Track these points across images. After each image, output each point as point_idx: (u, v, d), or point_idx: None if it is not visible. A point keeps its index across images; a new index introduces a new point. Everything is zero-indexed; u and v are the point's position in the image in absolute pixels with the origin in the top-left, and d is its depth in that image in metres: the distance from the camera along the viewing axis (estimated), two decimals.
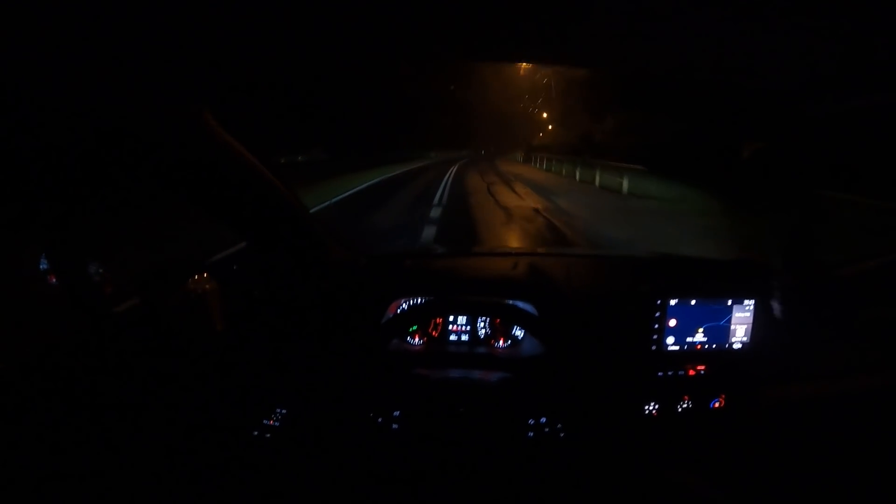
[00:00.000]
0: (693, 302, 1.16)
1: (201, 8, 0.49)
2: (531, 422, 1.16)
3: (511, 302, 1.25)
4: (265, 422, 1.21)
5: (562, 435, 1.15)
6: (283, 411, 1.21)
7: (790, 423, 1.27)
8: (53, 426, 0.93)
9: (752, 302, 1.16)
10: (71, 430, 0.96)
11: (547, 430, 1.15)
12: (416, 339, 1.34)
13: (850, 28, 0.54)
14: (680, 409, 1.22)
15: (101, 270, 1.10)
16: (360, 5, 0.53)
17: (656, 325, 1.17)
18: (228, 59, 0.68)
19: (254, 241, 1.22)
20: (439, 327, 1.34)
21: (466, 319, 1.34)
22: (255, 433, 1.21)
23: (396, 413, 1.16)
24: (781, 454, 1.24)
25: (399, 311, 1.30)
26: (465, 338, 1.34)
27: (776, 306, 1.19)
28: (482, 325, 1.34)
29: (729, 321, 1.17)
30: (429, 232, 6.03)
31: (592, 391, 1.18)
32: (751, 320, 1.17)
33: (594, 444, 1.16)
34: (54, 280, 1.09)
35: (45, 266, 1.08)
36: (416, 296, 1.31)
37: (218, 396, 1.19)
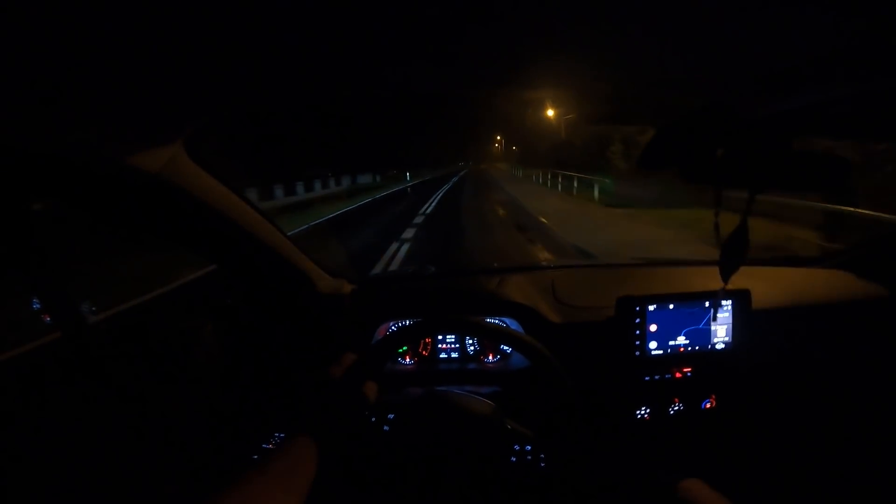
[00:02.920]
0: (671, 306, 1.19)
1: (190, 46, 0.49)
2: (517, 447, 1.16)
3: (496, 320, 1.28)
4: (264, 446, 1.22)
5: (542, 465, 1.14)
6: (282, 436, 1.22)
7: (785, 419, 1.28)
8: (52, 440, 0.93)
9: (730, 302, 1.19)
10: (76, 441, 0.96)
11: (529, 458, 1.15)
12: (408, 360, 1.35)
13: (778, 27, 0.57)
14: (672, 412, 1.23)
15: (93, 308, 1.13)
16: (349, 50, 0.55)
17: (637, 332, 1.19)
18: (211, 97, 0.71)
19: (234, 274, 1.25)
20: (429, 347, 1.36)
21: (455, 337, 1.36)
22: (255, 457, 1.21)
23: (391, 416, 1.17)
24: (777, 451, 1.25)
25: (387, 333, 1.32)
26: (454, 355, 1.36)
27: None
28: (471, 342, 1.36)
29: (709, 322, 1.20)
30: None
31: (583, 398, 1.19)
32: (730, 320, 1.20)
33: (583, 463, 1.17)
34: (49, 319, 1.11)
35: (38, 306, 1.11)
36: (403, 318, 1.33)
37: (216, 423, 1.20)
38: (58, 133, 0.61)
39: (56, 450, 0.94)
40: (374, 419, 1.17)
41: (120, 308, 1.15)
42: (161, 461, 1.11)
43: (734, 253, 0.75)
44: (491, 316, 1.29)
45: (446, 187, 23.78)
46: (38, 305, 1.12)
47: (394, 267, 5.91)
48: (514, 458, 1.15)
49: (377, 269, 5.68)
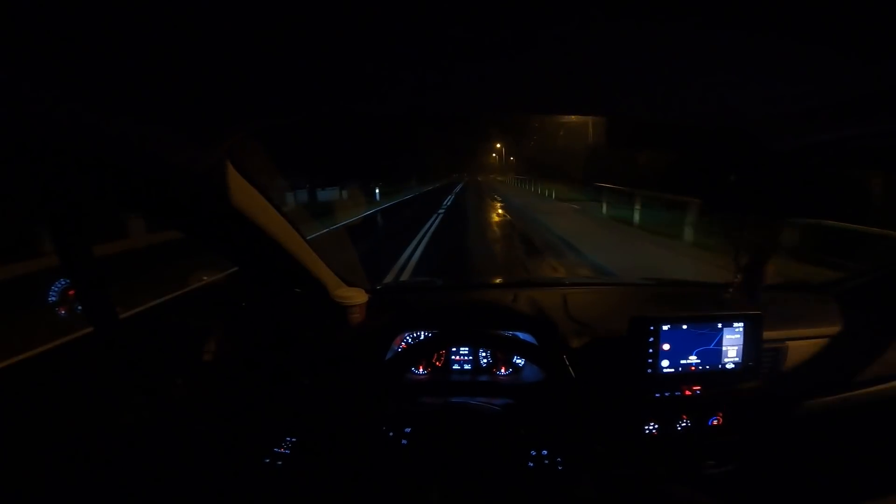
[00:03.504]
0: (684, 326, 1.22)
1: (233, 64, 0.53)
2: (533, 452, 1.17)
3: (511, 333, 1.30)
4: (276, 450, 1.20)
5: (560, 468, 1.16)
6: (294, 439, 1.21)
7: (793, 437, 1.30)
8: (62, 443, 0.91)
9: (742, 324, 1.23)
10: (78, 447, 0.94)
11: (547, 462, 1.16)
12: (421, 370, 1.35)
13: (808, 69, 0.61)
14: (679, 428, 1.25)
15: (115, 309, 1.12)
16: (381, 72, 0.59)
17: (650, 350, 1.22)
18: (253, 113, 0.74)
19: (258, 277, 1.25)
20: (443, 357, 1.37)
21: (469, 350, 1.37)
22: (267, 460, 1.19)
23: (408, 429, 1.17)
24: (783, 468, 1.27)
25: (403, 344, 1.33)
26: (467, 367, 1.37)
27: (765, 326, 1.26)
28: (484, 354, 1.37)
29: (720, 343, 1.23)
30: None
31: (593, 412, 1.21)
32: (741, 341, 1.23)
33: (597, 468, 1.18)
34: (63, 312, 1.10)
35: (54, 298, 1.10)
36: (419, 330, 1.34)
37: (230, 425, 1.19)
38: (109, 135, 0.62)
39: (77, 445, 0.92)
40: (391, 434, 1.17)
41: (145, 306, 1.14)
42: (175, 460, 1.09)
43: (756, 277, 0.78)
44: (507, 330, 1.31)
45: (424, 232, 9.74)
46: (55, 298, 1.10)
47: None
48: (531, 464, 1.16)
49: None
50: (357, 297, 1.34)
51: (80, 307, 1.08)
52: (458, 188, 33.72)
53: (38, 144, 0.58)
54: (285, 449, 1.20)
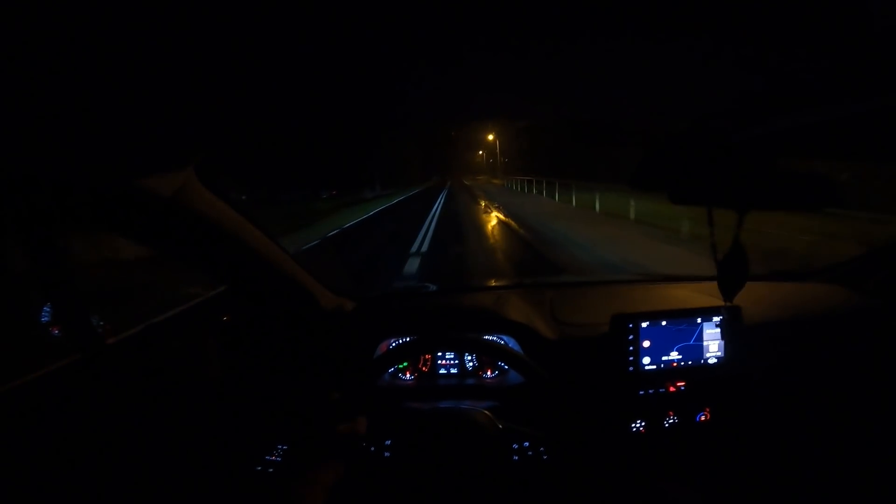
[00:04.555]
0: (664, 322, 1.23)
1: (197, 76, 0.52)
2: (515, 446, 1.19)
3: (494, 337, 1.32)
4: (267, 458, 1.23)
5: (545, 458, 1.18)
6: (285, 447, 1.23)
7: (781, 431, 1.31)
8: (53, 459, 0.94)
9: (720, 318, 1.24)
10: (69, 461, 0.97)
11: (530, 453, 1.19)
12: (408, 375, 1.37)
13: (767, 54, 0.62)
14: (667, 425, 1.25)
15: (101, 322, 1.15)
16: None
17: (631, 347, 1.23)
18: (218, 125, 0.75)
19: (243, 294, 1.28)
20: (429, 363, 1.39)
21: (454, 354, 1.39)
22: (259, 468, 1.22)
23: (388, 442, 1.19)
24: (772, 463, 1.27)
25: (395, 348, 1.35)
26: (454, 371, 1.38)
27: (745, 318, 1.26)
28: (469, 358, 1.39)
29: (700, 338, 1.24)
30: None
31: (576, 413, 1.22)
32: (720, 336, 1.24)
33: (583, 462, 1.19)
34: (56, 332, 1.14)
35: (46, 319, 1.14)
36: (403, 335, 1.37)
37: (220, 435, 1.21)
38: (73, 160, 0.64)
39: (71, 466, 0.95)
40: (372, 448, 1.19)
41: (133, 330, 1.17)
42: (167, 472, 1.11)
43: (733, 270, 0.79)
44: (489, 333, 1.33)
45: None
46: (47, 318, 1.14)
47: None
48: (516, 458, 1.18)
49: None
50: (343, 306, 1.37)
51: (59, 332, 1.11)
52: (436, 205, 17.28)
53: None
54: (276, 457, 1.23)
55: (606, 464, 1.23)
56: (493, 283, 1.67)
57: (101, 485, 1.01)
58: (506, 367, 1.38)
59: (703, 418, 1.28)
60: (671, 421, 1.27)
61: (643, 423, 1.27)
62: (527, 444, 1.21)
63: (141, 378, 1.14)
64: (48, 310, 1.12)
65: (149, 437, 1.12)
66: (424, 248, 7.99)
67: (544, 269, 5.61)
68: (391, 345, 1.37)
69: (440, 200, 20.06)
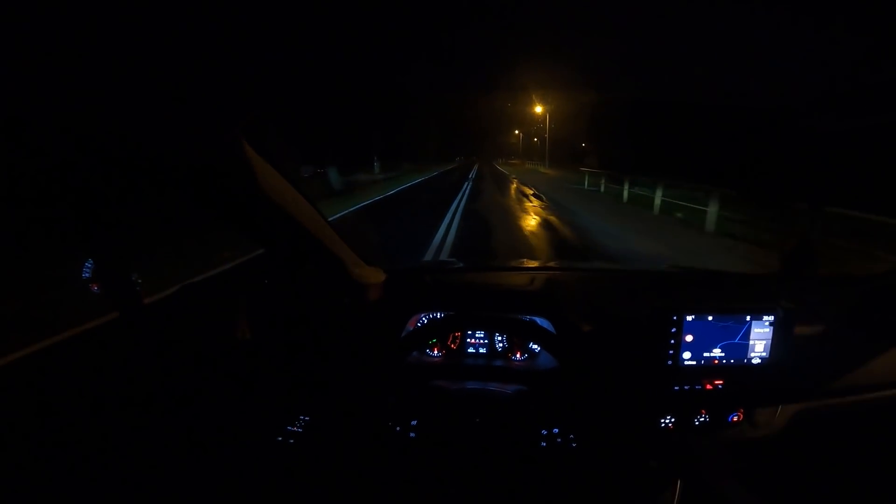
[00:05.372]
0: (710, 317, 1.17)
1: (243, 40, 0.53)
2: (544, 432, 1.18)
3: (528, 318, 1.28)
4: (289, 428, 1.25)
5: (574, 445, 1.16)
6: (307, 418, 1.25)
7: (813, 436, 1.25)
8: (75, 421, 0.97)
9: (772, 317, 1.16)
10: (91, 425, 1.00)
11: (559, 440, 1.17)
12: (435, 352, 1.36)
13: (856, 50, 0.56)
14: (697, 423, 1.22)
15: (139, 280, 1.16)
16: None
17: (672, 341, 1.18)
18: (265, 88, 0.73)
19: (280, 256, 1.27)
20: (458, 340, 1.37)
21: (484, 333, 1.36)
22: (279, 438, 1.24)
23: (414, 422, 1.19)
24: (800, 466, 1.23)
25: (418, 324, 1.33)
26: (482, 350, 1.36)
27: (799, 320, 1.19)
28: (500, 338, 1.36)
29: (747, 336, 1.17)
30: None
31: (607, 404, 1.19)
32: (770, 336, 1.17)
33: (608, 454, 1.17)
34: (96, 288, 1.15)
35: (87, 275, 1.15)
36: (435, 311, 1.34)
37: (243, 401, 1.23)
38: (125, 122, 0.63)
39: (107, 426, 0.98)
40: (398, 428, 1.20)
41: (170, 290, 1.18)
42: (189, 436, 1.14)
43: (798, 268, 0.73)
44: (524, 314, 1.29)
45: None
46: (88, 275, 1.16)
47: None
48: (543, 444, 1.17)
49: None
50: (374, 276, 1.35)
51: (106, 285, 1.13)
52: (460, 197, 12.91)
53: (46, 134, 0.59)
54: (298, 427, 1.24)
55: (633, 456, 1.21)
56: (527, 264, 1.62)
57: (128, 442, 1.04)
58: (536, 350, 1.35)
59: (735, 419, 1.24)
60: (702, 419, 1.23)
61: (672, 419, 1.23)
62: (556, 430, 1.19)
63: (173, 339, 1.16)
64: (89, 266, 1.13)
65: (174, 400, 1.14)
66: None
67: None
68: (421, 319, 1.35)
69: (456, 208, 10.39)
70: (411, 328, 1.33)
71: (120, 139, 0.68)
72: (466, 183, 17.13)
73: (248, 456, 1.23)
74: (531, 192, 14.35)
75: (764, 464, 1.26)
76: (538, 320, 1.28)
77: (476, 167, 31.50)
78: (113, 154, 0.73)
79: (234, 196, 0.95)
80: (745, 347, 1.18)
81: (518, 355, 1.35)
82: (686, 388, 1.20)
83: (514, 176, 22.07)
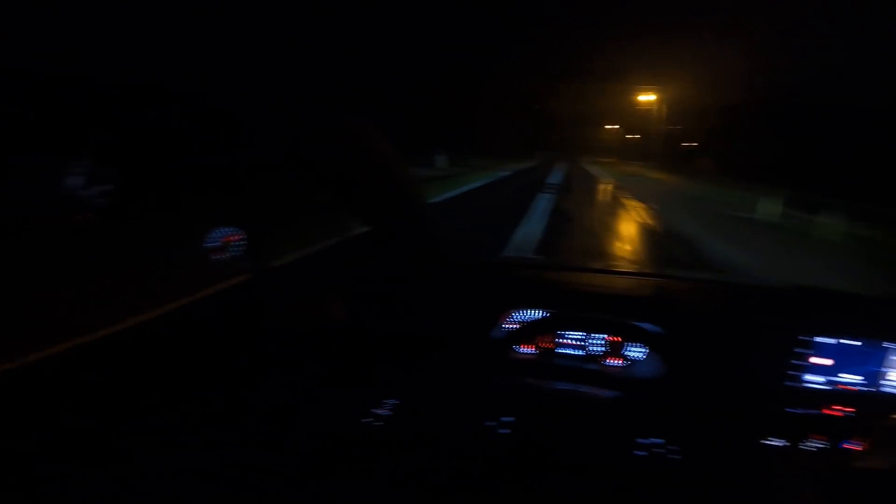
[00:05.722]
0: (840, 341, 1.09)
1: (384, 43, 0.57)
2: (642, 441, 1.13)
3: (636, 323, 1.24)
4: (374, 410, 1.26)
5: (672, 457, 1.11)
6: (394, 401, 1.25)
7: None
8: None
9: None
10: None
11: (659, 450, 1.12)
12: (526, 349, 1.34)
13: None
14: (805, 448, 1.14)
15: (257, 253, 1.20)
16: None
17: (795, 362, 1.11)
18: (389, 85, 0.76)
19: (386, 237, 1.29)
20: (551, 340, 1.34)
21: (582, 335, 1.33)
22: (364, 420, 1.25)
23: (506, 419, 1.17)
24: None
25: (517, 321, 1.32)
26: (576, 352, 1.33)
27: None
28: (597, 342, 1.32)
29: (882, 363, 1.09)
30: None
31: (712, 419, 1.14)
32: None
33: (708, 470, 1.12)
34: (216, 257, 1.20)
35: (212, 244, 1.20)
36: (530, 307, 1.32)
37: (331, 378, 1.25)
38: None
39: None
40: (490, 424, 1.18)
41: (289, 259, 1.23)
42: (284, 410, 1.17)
43: None
44: (631, 318, 1.25)
45: None
46: (213, 244, 1.21)
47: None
48: (641, 453, 1.13)
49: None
50: (474, 266, 1.34)
51: (230, 255, 1.18)
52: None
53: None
54: (385, 410, 1.24)
55: (734, 477, 1.15)
56: (629, 268, 1.57)
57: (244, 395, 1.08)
58: (636, 357, 1.30)
59: (858, 448, 1.15)
60: (814, 445, 1.15)
61: (779, 442, 1.16)
62: (658, 440, 1.15)
63: (291, 305, 1.20)
64: (216, 236, 1.18)
65: (279, 365, 1.17)
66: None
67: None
68: (514, 316, 1.33)
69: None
70: (503, 323, 1.31)
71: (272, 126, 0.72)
72: (541, 200, 9.44)
73: (332, 434, 1.24)
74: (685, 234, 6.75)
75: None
76: (647, 326, 1.23)
77: (559, 165, 24.83)
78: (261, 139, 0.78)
79: (355, 172, 0.99)
80: (876, 374, 1.10)
81: (614, 361, 1.31)
82: (801, 411, 1.13)
83: (616, 185, 14.35)
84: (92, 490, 0.82)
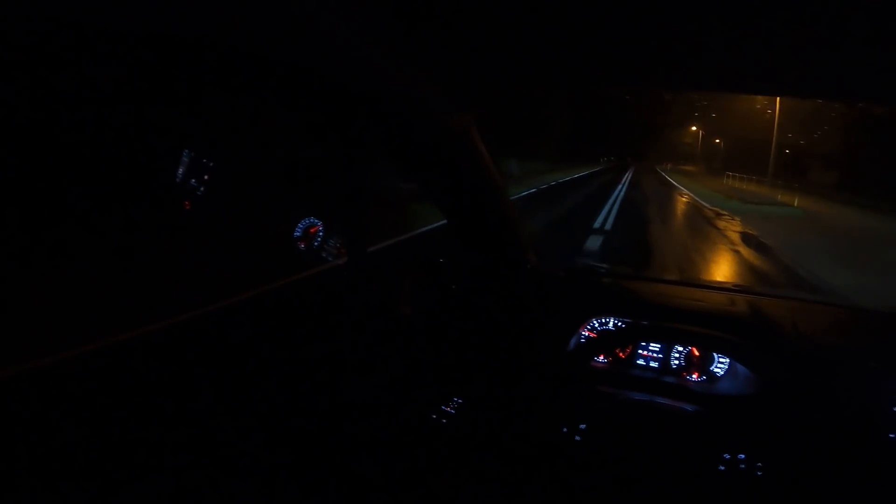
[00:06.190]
0: None
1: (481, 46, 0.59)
2: (726, 456, 1.06)
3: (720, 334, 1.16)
4: (442, 407, 1.28)
5: (759, 474, 1.03)
6: (460, 401, 1.26)
7: None
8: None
9: None
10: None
11: (743, 466, 1.05)
12: (602, 358, 1.30)
13: None
14: None
15: (339, 244, 1.26)
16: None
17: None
18: (493, 85, 0.80)
19: (468, 237, 1.29)
20: (629, 350, 1.29)
21: (661, 346, 1.26)
22: (433, 416, 1.28)
23: (583, 426, 1.14)
24: None
25: (600, 328, 1.28)
26: (654, 364, 1.27)
27: None
28: (676, 355, 1.25)
29: None
30: None
31: (802, 444, 1.04)
32: None
33: (795, 489, 1.03)
34: (303, 246, 1.28)
35: (298, 234, 1.28)
36: (612, 315, 1.28)
37: (402, 373, 1.29)
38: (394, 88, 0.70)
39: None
40: (565, 430, 1.16)
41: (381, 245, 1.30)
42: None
43: None
44: (714, 330, 1.16)
45: None
46: (298, 234, 1.29)
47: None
48: (722, 468, 1.06)
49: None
50: (552, 271, 1.32)
51: (317, 243, 1.25)
52: None
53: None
54: (451, 409, 1.26)
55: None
56: (718, 283, 1.46)
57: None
58: (718, 373, 1.22)
59: None
60: None
61: (870, 478, 1.03)
62: (742, 455, 1.07)
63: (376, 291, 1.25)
64: (302, 226, 1.26)
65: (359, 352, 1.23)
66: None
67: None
68: (593, 324, 1.29)
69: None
70: (582, 331, 1.27)
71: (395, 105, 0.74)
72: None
73: (399, 427, 1.28)
74: None
75: None
76: (733, 338, 1.15)
77: (630, 175, 19.94)
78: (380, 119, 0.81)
79: (450, 170, 1.00)
80: None
81: (695, 376, 1.23)
82: None
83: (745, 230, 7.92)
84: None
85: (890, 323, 1.27)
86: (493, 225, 1.16)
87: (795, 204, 11.26)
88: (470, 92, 0.80)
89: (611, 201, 10.88)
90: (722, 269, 5.53)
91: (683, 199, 12.61)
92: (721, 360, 1.21)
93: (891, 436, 1.01)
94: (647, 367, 1.27)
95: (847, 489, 1.04)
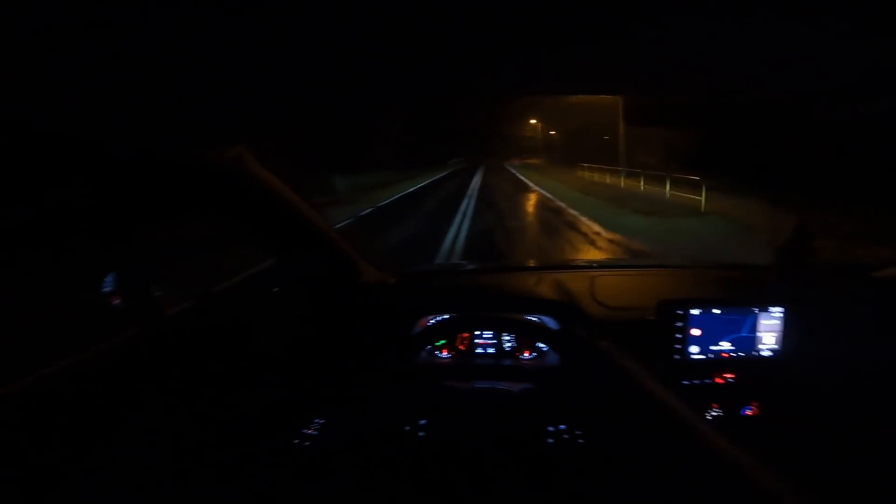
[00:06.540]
0: (716, 311, 1.17)
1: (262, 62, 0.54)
2: (550, 429, 1.19)
3: (535, 317, 1.30)
4: (303, 430, 1.28)
5: (580, 441, 1.17)
6: (321, 421, 1.28)
7: (829, 429, 1.24)
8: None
9: (781, 309, 1.16)
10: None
11: (566, 436, 1.18)
12: (445, 353, 1.39)
13: (854, 36, 0.55)
14: (709, 418, 1.22)
15: (159, 293, 1.21)
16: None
17: (679, 335, 1.18)
18: (271, 105, 0.75)
19: (289, 266, 1.31)
20: (466, 341, 1.39)
21: (493, 334, 1.38)
22: (295, 441, 1.28)
23: (422, 422, 1.22)
24: (819, 458, 1.22)
25: (426, 326, 1.36)
26: (491, 350, 1.38)
27: (811, 312, 1.18)
28: (508, 338, 1.38)
29: (754, 328, 1.17)
30: None
31: (612, 400, 1.21)
32: (780, 328, 1.17)
33: (616, 450, 1.18)
34: (116, 302, 1.20)
35: (109, 288, 1.20)
36: (443, 313, 1.37)
37: (258, 405, 1.27)
38: (139, 131, 0.67)
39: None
40: (407, 428, 1.23)
41: (189, 302, 1.23)
42: (211, 442, 1.18)
43: (793, 259, 0.73)
44: (529, 314, 1.31)
45: None
46: (109, 289, 1.20)
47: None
48: (551, 440, 1.19)
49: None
50: (385, 280, 1.38)
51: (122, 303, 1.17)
52: None
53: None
54: (313, 430, 1.27)
55: (642, 452, 1.22)
56: (532, 264, 1.63)
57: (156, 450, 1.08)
58: (544, 349, 1.36)
59: (749, 412, 1.23)
60: (714, 413, 1.23)
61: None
62: (563, 426, 1.21)
63: (196, 349, 1.20)
64: (110, 280, 1.18)
65: (195, 409, 1.18)
66: None
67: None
68: (429, 322, 1.38)
69: None
70: (420, 330, 1.35)
71: (132, 148, 0.71)
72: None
73: (264, 459, 1.26)
74: None
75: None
76: (545, 319, 1.30)
77: (479, 179, 20.04)
78: (128, 165, 0.77)
79: (242, 203, 0.99)
80: (752, 340, 1.18)
81: (526, 354, 1.37)
82: (696, 382, 1.21)
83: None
84: None
85: (675, 275, 1.52)
86: (310, 247, 1.19)
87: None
88: (230, 123, 0.79)
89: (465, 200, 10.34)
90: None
91: (539, 196, 11.21)
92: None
93: (684, 382, 1.20)
94: (485, 354, 1.38)
95: (654, 440, 1.22)
